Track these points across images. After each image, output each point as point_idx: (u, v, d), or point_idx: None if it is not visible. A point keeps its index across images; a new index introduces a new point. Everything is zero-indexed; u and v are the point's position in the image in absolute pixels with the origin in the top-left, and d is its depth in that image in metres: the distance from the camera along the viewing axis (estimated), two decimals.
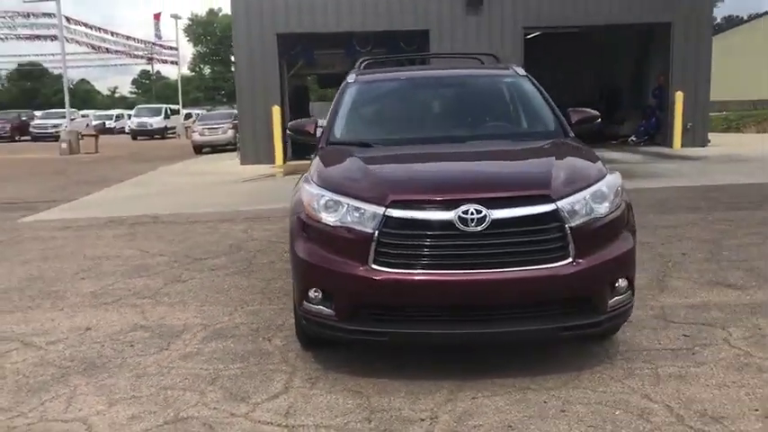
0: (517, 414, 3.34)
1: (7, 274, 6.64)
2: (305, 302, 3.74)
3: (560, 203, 3.51)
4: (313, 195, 3.79)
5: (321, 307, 3.66)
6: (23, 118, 41.92)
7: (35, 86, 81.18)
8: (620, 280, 3.68)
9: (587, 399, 3.47)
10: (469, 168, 4.16)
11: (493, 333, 3.55)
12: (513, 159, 4.26)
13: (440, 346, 4.03)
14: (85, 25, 37.02)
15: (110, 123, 46.11)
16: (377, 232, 3.49)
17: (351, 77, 5.30)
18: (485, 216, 3.42)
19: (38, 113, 43.82)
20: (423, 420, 3.32)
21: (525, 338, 3.77)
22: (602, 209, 3.67)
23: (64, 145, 25.95)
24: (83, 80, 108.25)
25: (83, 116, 46.06)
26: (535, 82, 5.13)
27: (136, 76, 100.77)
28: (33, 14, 35.23)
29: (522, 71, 5.27)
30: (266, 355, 4.24)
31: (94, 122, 39.95)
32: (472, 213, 3.41)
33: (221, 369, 4.05)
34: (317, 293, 3.68)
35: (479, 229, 3.42)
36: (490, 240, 3.44)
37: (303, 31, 17.38)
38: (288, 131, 5.13)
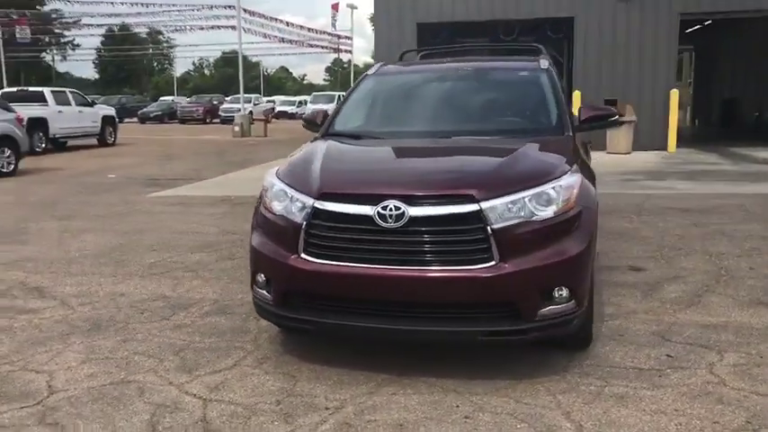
0: (419, 414, 3.31)
1: (97, 242, 7.47)
2: (254, 286, 3.94)
3: (485, 204, 3.39)
4: (268, 185, 3.97)
5: (264, 291, 3.84)
6: (215, 102, 45.80)
7: (235, 73, 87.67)
8: (557, 288, 3.48)
9: (502, 408, 3.35)
10: (409, 165, 4.11)
11: (411, 331, 3.52)
12: (466, 157, 4.14)
13: (362, 340, 4.05)
14: (262, 16, 39.54)
15: (292, 109, 49.01)
16: (305, 223, 3.59)
17: (372, 70, 5.38)
18: (403, 213, 3.40)
19: (227, 98, 47.64)
20: (327, 409, 3.39)
21: (445, 340, 3.69)
22: (545, 212, 3.49)
23: (236, 128, 28.04)
24: (282, 67, 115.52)
25: (268, 101, 49.33)
26: (553, 76, 4.90)
27: (329, 64, 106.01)
28: (216, 6, 38.24)
29: (544, 64, 5.05)
30: (242, 333, 4.49)
31: (267, 108, 42.75)
32: (391, 210, 3.41)
33: (195, 342, 4.36)
34: (261, 278, 3.86)
35: (397, 225, 3.41)
36: (408, 237, 3.42)
37: (444, 20, 17.42)
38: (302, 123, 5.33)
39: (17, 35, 45.70)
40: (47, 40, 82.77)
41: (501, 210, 3.41)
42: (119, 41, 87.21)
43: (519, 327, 3.44)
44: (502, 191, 3.46)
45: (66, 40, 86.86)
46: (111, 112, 24.57)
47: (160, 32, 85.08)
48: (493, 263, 3.38)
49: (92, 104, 23.03)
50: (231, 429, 3.22)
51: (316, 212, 3.58)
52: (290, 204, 3.70)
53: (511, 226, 3.40)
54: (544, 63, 5.08)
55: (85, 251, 7.04)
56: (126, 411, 3.41)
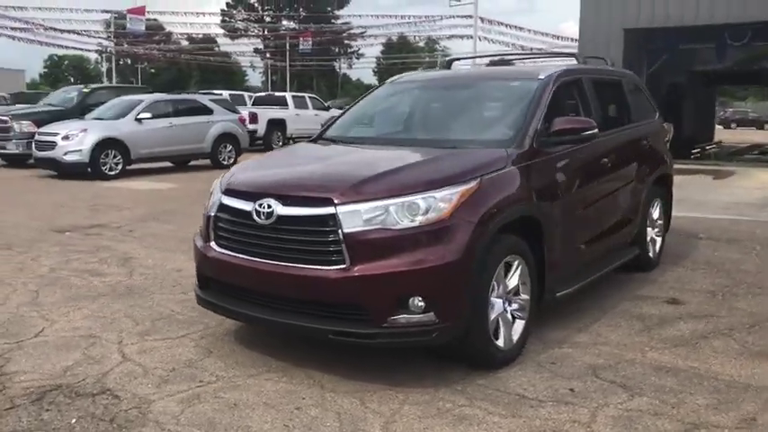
0: (262, 399, 3.55)
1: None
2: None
3: (341, 209, 3.51)
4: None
5: (196, 275, 4.34)
6: None
7: None
8: (412, 298, 3.49)
9: (339, 407, 3.46)
10: (308, 168, 4.24)
11: (277, 323, 3.76)
12: (362, 164, 4.16)
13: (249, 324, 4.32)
14: (501, 24, 39.71)
15: None
16: (213, 215, 4.02)
17: (392, 78, 5.58)
18: (272, 211, 3.67)
19: None
20: (201, 382, 3.78)
21: (303, 334, 3.84)
22: (409, 222, 3.51)
23: None
24: None
25: None
26: (545, 88, 4.68)
27: None
28: (453, 16, 39.27)
29: (544, 75, 4.83)
30: None
31: None
32: (264, 207, 3.70)
33: (183, 312, 4.97)
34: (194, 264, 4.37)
35: (267, 222, 3.69)
36: (276, 234, 3.68)
37: (655, 25, 16.25)
38: None
39: (300, 46, 51.35)
40: (336, 50, 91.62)
41: (357, 215, 3.50)
42: (396, 50, 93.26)
43: (366, 330, 3.51)
44: (362, 197, 3.54)
45: (352, 50, 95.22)
46: None
47: (436, 41, 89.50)
48: (344, 265, 3.49)
49: (327, 108, 25.26)
50: (115, 384, 3.75)
51: (220, 206, 3.98)
52: (212, 198, 4.14)
53: (365, 231, 3.48)
54: (544, 73, 4.85)
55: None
56: (64, 355, 4.12)
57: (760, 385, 3.74)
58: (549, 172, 4.37)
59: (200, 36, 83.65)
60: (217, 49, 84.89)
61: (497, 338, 3.92)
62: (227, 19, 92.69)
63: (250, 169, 4.34)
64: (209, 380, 3.81)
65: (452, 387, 3.70)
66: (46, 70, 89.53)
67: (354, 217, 3.50)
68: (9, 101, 24.84)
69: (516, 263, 4.00)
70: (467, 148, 4.31)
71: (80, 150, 13.42)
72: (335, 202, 3.53)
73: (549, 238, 4.22)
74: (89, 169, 13.51)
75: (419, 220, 3.51)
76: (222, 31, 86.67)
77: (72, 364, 4.03)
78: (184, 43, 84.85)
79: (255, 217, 3.72)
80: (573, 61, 5.61)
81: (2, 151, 15.79)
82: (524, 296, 4.12)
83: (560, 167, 4.50)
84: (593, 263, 4.99)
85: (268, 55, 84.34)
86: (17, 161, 15.98)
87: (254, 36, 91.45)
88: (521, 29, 44.70)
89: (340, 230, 3.48)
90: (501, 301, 3.93)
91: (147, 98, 15.05)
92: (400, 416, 3.37)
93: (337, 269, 3.50)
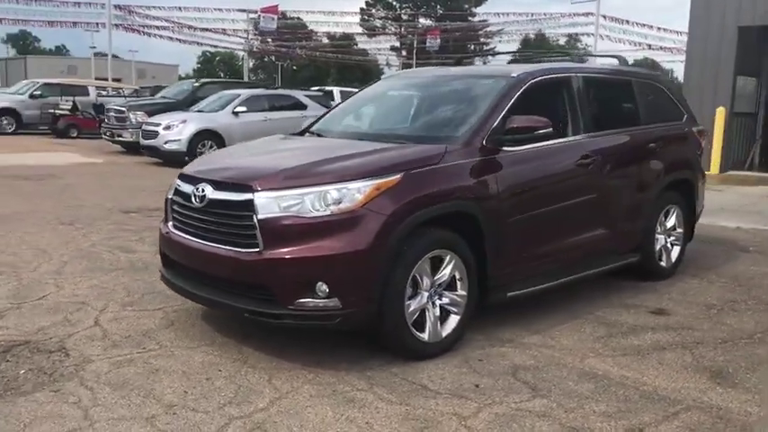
0: (184, 368, 3.86)
1: None
2: None
3: (258, 195, 3.74)
4: None
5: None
6: None
7: None
8: (319, 283, 3.66)
9: (236, 376, 3.71)
10: (255, 157, 4.44)
11: (206, 299, 4.04)
12: (300, 155, 4.30)
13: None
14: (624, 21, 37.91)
15: None
16: (169, 197, 4.38)
17: (384, 75, 5.72)
18: (205, 195, 3.96)
19: None
20: (143, 349, 4.14)
21: (226, 311, 4.07)
22: (322, 210, 3.68)
23: None
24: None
25: None
26: (515, 85, 4.65)
27: None
28: (575, 14, 38.00)
29: (516, 73, 4.79)
30: None
31: None
32: (199, 191, 4.00)
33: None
34: None
35: (201, 205, 3.98)
36: (206, 216, 3.97)
37: None
38: None
39: (427, 44, 51.74)
40: (472, 48, 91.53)
41: (273, 203, 3.71)
42: (533, 47, 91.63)
43: (274, 311, 3.71)
44: (280, 186, 3.74)
45: (488, 47, 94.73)
46: None
47: (578, 39, 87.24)
48: (257, 249, 3.72)
49: None
50: (73, 345, 4.19)
51: (175, 189, 4.32)
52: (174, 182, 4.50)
53: (278, 218, 3.69)
54: (520, 72, 4.81)
55: None
56: (48, 317, 4.63)
57: (678, 399, 3.59)
58: (502, 170, 4.34)
59: (340, 34, 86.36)
60: (355, 47, 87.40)
61: (422, 331, 3.99)
62: (365, 17, 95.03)
63: (207, 157, 4.65)
64: (151, 348, 4.16)
65: (364, 373, 3.82)
66: (199, 65, 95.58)
67: (271, 204, 3.70)
68: (144, 93, 26.90)
69: (448, 257, 4.04)
70: (412, 143, 4.39)
71: (179, 140, 14.42)
72: (254, 189, 3.76)
73: (493, 236, 4.22)
74: (186, 158, 14.40)
75: (331, 209, 3.67)
76: (360, 29, 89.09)
77: (49, 324, 4.52)
78: (325, 41, 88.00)
79: (192, 199, 4.02)
80: (615, 62, 5.55)
81: (119, 139, 17.23)
82: (461, 292, 4.15)
83: (519, 166, 4.46)
84: (566, 266, 4.89)
85: (404, 53, 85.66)
86: (132, 148, 17.34)
87: (390, 34, 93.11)
88: (648, 26, 42.47)
89: (255, 216, 3.70)
90: (427, 294, 3.99)
91: (245, 93, 15.90)
92: (294, 393, 3.55)
93: (251, 252, 3.73)
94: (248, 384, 3.65)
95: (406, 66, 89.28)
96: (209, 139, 14.70)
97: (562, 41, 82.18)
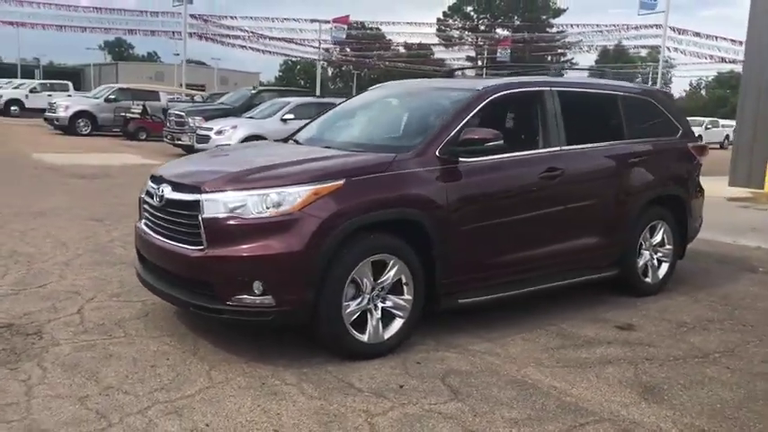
0: (135, 355, 4.16)
1: None
2: None
3: (205, 196, 3.99)
4: None
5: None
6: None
7: (726, 95, 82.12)
8: (255, 281, 3.88)
9: (179, 366, 3.97)
10: (211, 162, 4.69)
11: (163, 292, 4.32)
12: (256, 160, 4.49)
13: None
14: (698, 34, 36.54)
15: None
16: (141, 196, 4.71)
17: (371, 87, 5.92)
18: (163, 195, 4.26)
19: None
20: (107, 336, 4.49)
21: (177, 305, 4.32)
22: (262, 212, 3.91)
23: None
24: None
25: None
26: (478, 98, 4.77)
27: None
28: (639, 26, 37.04)
29: (481, 86, 4.90)
30: None
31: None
32: (160, 191, 4.30)
33: None
34: None
35: (159, 204, 4.28)
36: (163, 215, 4.26)
37: None
38: None
39: (497, 54, 51.55)
40: (549, 59, 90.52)
41: (218, 204, 3.95)
42: (611, 59, 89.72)
43: (214, 306, 3.96)
44: (226, 188, 3.99)
45: (565, 58, 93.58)
46: None
47: (658, 51, 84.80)
48: (201, 247, 3.98)
49: None
50: (50, 329, 4.54)
51: (146, 189, 4.64)
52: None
53: (221, 218, 3.93)
54: (485, 85, 4.92)
55: None
56: (38, 303, 5.03)
57: (595, 411, 3.63)
58: (456, 180, 4.46)
59: (416, 44, 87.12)
60: (431, 57, 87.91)
61: (363, 332, 4.15)
62: (442, 27, 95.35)
63: (179, 160, 4.96)
64: (116, 335, 4.48)
65: (300, 369, 4.02)
66: (281, 74, 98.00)
67: (216, 205, 3.96)
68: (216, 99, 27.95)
69: (392, 262, 4.20)
70: (371, 151, 4.56)
71: (228, 144, 14.96)
72: (201, 190, 4.02)
73: (442, 244, 4.34)
74: None
75: (270, 211, 3.89)
76: (437, 39, 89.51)
77: (36, 310, 4.91)
78: (402, 51, 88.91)
79: (155, 199, 4.32)
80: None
81: (178, 142, 18.02)
82: (407, 296, 4.29)
83: (475, 177, 4.56)
84: (529, 278, 4.95)
85: (479, 62, 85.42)
86: (191, 151, 18.08)
87: (466, 44, 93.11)
88: (715, 38, 40.82)
89: (200, 216, 3.96)
90: (368, 296, 4.16)
91: (294, 101, 16.37)
92: (225, 384, 3.78)
93: (196, 249, 3.99)
94: (187, 373, 3.91)
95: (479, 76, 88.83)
96: None
97: (643, 53, 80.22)
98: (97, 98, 25.10)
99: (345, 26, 41.52)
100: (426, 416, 3.49)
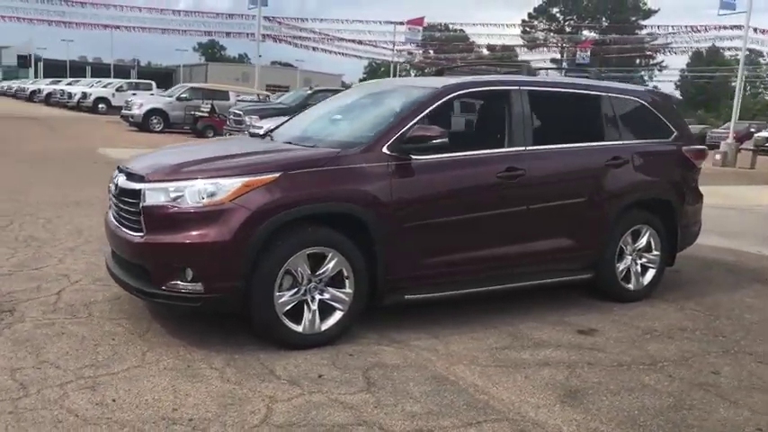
0: (86, 334, 4.40)
1: None
2: None
3: (146, 186, 4.20)
4: None
5: None
6: (752, 129, 41.78)
7: None
8: (187, 268, 4.06)
9: (119, 347, 4.19)
10: (167, 153, 4.85)
11: (116, 277, 4.55)
12: (203, 153, 4.64)
13: None
14: None
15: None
16: (109, 185, 4.97)
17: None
18: (118, 184, 4.50)
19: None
20: (74, 316, 4.77)
21: (126, 289, 4.51)
22: (197, 202, 4.08)
23: (717, 156, 26.09)
24: None
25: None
26: (437, 95, 4.79)
27: None
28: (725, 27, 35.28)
29: (441, 84, 4.92)
30: None
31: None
32: (116, 180, 4.54)
33: None
34: None
35: (115, 192, 4.53)
36: (118, 203, 4.49)
37: None
38: None
39: (577, 56, 50.46)
40: (638, 61, 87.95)
41: (159, 193, 4.15)
42: (705, 63, 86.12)
43: (150, 290, 4.16)
44: (164, 178, 4.19)
45: (655, 61, 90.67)
46: None
47: (761, 54, 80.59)
48: (142, 233, 4.19)
49: None
50: (24, 307, 4.85)
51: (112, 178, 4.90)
52: None
53: (159, 206, 4.12)
54: (446, 83, 4.93)
55: None
56: (25, 284, 5.38)
57: (501, 410, 3.62)
58: (405, 177, 4.50)
59: (499, 46, 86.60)
60: (515, 59, 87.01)
61: (298, 323, 4.26)
62: (527, 29, 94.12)
63: (145, 152, 5.19)
64: (80, 316, 4.74)
65: (232, 355, 4.16)
66: (365, 75, 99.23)
67: (157, 194, 4.15)
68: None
69: (330, 255, 4.28)
70: (325, 146, 4.66)
71: None
72: (145, 179, 4.23)
73: (385, 240, 4.39)
74: None
75: (204, 201, 4.05)
76: (521, 41, 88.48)
77: (21, 290, 5.24)
78: (485, 53, 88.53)
79: (113, 187, 4.56)
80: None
81: None
82: (348, 290, 4.37)
83: (426, 174, 4.59)
84: (486, 277, 4.93)
85: (565, 65, 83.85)
86: None
87: (550, 46, 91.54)
88: None
89: (140, 204, 4.17)
90: (305, 288, 4.26)
91: None
92: (153, 365, 3.95)
93: (138, 236, 4.20)
94: (123, 353, 4.11)
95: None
96: None
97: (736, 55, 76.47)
98: (170, 96, 26.16)
99: (420, 28, 41.57)
100: (327, 404, 3.56)
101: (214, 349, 4.22)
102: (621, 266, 5.59)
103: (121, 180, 4.45)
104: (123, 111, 26.01)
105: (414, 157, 4.55)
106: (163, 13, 45.89)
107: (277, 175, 4.14)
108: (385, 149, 4.48)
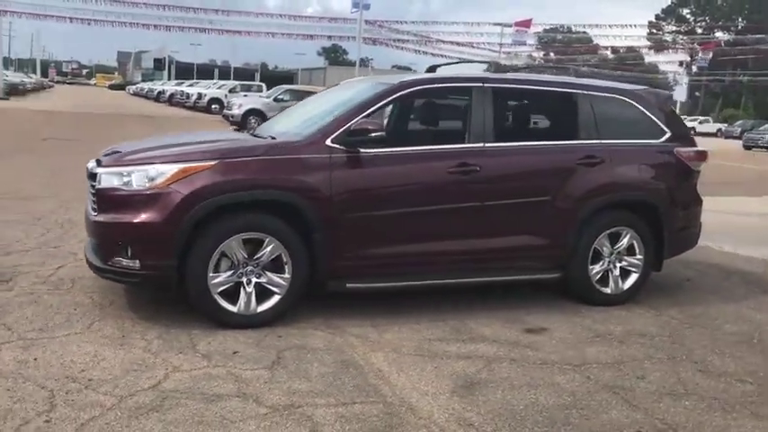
0: (64, 311, 4.87)
1: None
2: None
3: (101, 170, 4.59)
4: None
5: None
6: None
7: None
8: (127, 246, 4.42)
9: (94, 325, 4.62)
10: (143, 143, 5.18)
11: (90, 263, 4.95)
12: (164, 142, 4.95)
13: None
14: None
15: None
16: None
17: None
18: (88, 168, 4.94)
19: None
20: (56, 291, 5.28)
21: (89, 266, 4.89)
22: (140, 186, 4.44)
23: None
24: None
25: None
26: (387, 92, 4.94)
27: None
28: None
29: (397, 81, 5.03)
30: None
31: None
32: (90, 166, 4.99)
33: None
34: None
35: (88, 176, 4.97)
36: (90, 187, 4.94)
37: None
38: None
39: (698, 59, 47.96)
40: None
41: (112, 177, 4.53)
42: None
43: (99, 265, 4.56)
44: (116, 163, 4.58)
45: None
46: None
47: None
48: (95, 213, 4.61)
49: None
50: (16, 278, 5.43)
51: None
52: None
53: (108, 189, 4.51)
54: (402, 79, 5.04)
55: None
56: (25, 259, 5.97)
57: (384, 395, 3.71)
58: (348, 169, 4.66)
59: (624, 48, 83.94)
60: (640, 61, 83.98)
61: (235, 303, 4.52)
62: (653, 31, 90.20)
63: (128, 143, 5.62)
64: (61, 288, 5.22)
65: (168, 329, 4.46)
66: None
67: (110, 178, 4.54)
68: None
69: (267, 240, 4.52)
70: (272, 138, 4.91)
71: None
72: (100, 164, 4.63)
73: (323, 228, 4.56)
74: None
75: (146, 185, 4.40)
76: (648, 43, 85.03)
77: (27, 263, 5.82)
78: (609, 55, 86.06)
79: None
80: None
81: None
82: (286, 275, 4.59)
83: (371, 168, 4.73)
84: (434, 270, 4.99)
85: (694, 69, 79.70)
86: None
87: (678, 48, 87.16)
88: None
89: (96, 186, 4.57)
90: (240, 270, 4.51)
91: None
92: (92, 333, 4.33)
93: (93, 215, 4.61)
94: (74, 322, 4.51)
95: (694, 83, 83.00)
96: None
97: None
98: (268, 98, 27.29)
99: (527, 30, 41.01)
100: (221, 377, 3.78)
101: (159, 324, 4.53)
102: (597, 268, 5.44)
103: (92, 165, 4.86)
104: (224, 111, 27.37)
105: (362, 150, 4.68)
106: (270, 17, 47.75)
107: (213, 162, 4.42)
108: (329, 141, 4.65)
